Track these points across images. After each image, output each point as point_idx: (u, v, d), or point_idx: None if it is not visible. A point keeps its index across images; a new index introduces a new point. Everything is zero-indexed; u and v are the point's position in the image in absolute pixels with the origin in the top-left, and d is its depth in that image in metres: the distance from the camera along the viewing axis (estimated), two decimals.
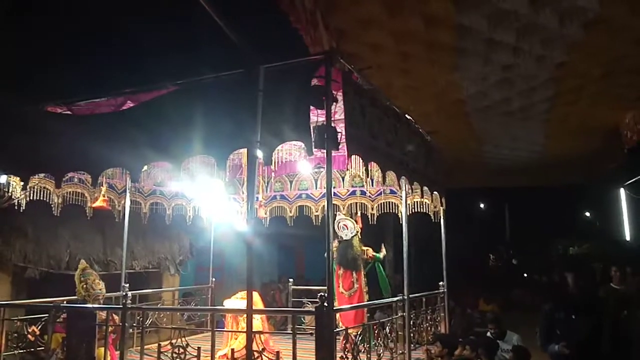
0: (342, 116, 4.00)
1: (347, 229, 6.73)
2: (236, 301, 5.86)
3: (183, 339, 4.48)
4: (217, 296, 7.73)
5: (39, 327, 5.12)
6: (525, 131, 8.93)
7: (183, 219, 7.98)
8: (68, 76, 7.08)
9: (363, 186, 7.35)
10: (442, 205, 6.51)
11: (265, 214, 7.64)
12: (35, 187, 5.61)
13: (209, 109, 4.22)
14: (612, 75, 6.50)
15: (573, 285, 5.35)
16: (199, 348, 4.35)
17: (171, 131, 4.32)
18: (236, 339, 5.69)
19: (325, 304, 3.74)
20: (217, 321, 6.77)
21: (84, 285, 5.23)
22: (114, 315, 4.84)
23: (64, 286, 6.09)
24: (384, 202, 7.26)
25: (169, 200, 7.75)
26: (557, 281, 15.42)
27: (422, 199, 6.31)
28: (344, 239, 6.70)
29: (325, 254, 3.88)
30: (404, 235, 5.61)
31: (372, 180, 6.92)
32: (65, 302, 5.40)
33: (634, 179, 12.01)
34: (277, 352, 4.33)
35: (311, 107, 3.87)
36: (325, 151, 3.83)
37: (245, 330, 4.19)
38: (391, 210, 7.21)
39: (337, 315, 5.20)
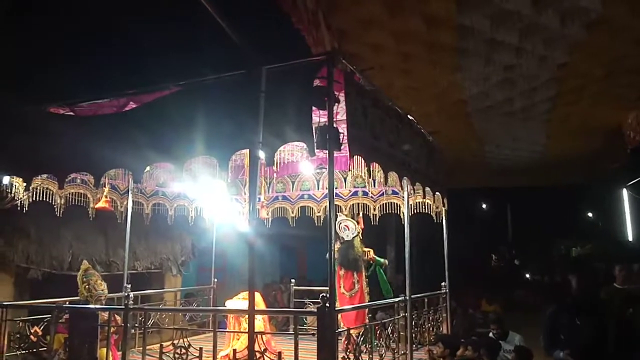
0: (344, 117, 3.99)
1: (349, 229, 6.72)
2: (238, 302, 5.86)
3: (185, 339, 4.48)
4: (219, 297, 7.73)
5: (42, 327, 5.13)
6: (526, 131, 8.93)
7: (185, 220, 7.98)
8: (69, 77, 7.10)
9: (365, 187, 7.34)
10: (443, 206, 6.50)
11: (267, 214, 7.63)
12: (38, 188, 5.62)
13: (210, 109, 4.22)
14: (613, 75, 6.50)
15: (576, 287, 5.34)
16: (200, 348, 4.35)
17: (173, 132, 4.32)
18: (238, 339, 5.70)
19: (327, 304, 3.74)
20: (219, 322, 6.79)
21: (87, 286, 5.24)
22: (116, 315, 4.85)
23: (66, 287, 6.09)
24: (386, 203, 7.24)
25: (171, 201, 7.75)
26: (560, 282, 15.40)
27: (424, 200, 6.30)
28: (345, 239, 6.70)
29: (327, 255, 3.88)
30: (406, 235, 5.61)
31: (374, 181, 6.92)
32: (67, 302, 5.42)
33: (636, 179, 11.99)
34: (279, 353, 4.32)
35: (313, 108, 3.87)
36: (327, 152, 3.82)
37: (247, 330, 4.19)
38: (393, 211, 7.20)
39: (339, 315, 5.20)
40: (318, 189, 7.68)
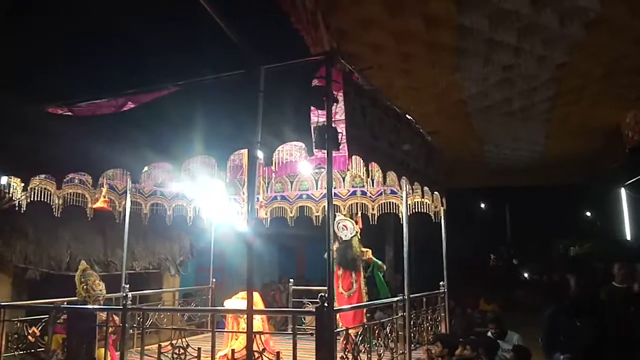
0: (343, 116, 3.99)
1: (347, 229, 6.73)
2: (236, 301, 5.85)
3: (183, 339, 4.48)
4: (218, 297, 7.72)
5: (40, 328, 5.12)
6: (526, 131, 8.93)
7: (184, 220, 7.97)
8: (68, 77, 7.08)
9: (364, 186, 7.34)
10: (442, 206, 6.50)
11: (266, 214, 7.63)
12: (36, 188, 5.61)
13: (209, 109, 4.21)
14: (612, 75, 6.50)
15: (575, 286, 5.32)
16: (199, 349, 4.34)
17: (172, 132, 4.32)
18: (236, 339, 5.69)
19: (326, 304, 3.74)
20: (217, 322, 6.78)
21: (85, 286, 5.24)
22: (114, 316, 4.84)
23: (64, 287, 6.09)
24: (384, 203, 7.24)
25: (170, 201, 7.75)
26: (558, 281, 15.40)
27: (422, 199, 6.30)
28: (344, 239, 6.70)
29: (326, 255, 3.88)
30: (404, 235, 5.60)
31: (372, 181, 6.92)
32: (65, 303, 5.39)
33: (634, 179, 12.00)
34: (278, 353, 4.33)
35: (312, 108, 3.87)
36: (325, 152, 3.82)
37: (245, 330, 4.18)
38: (392, 211, 7.20)
39: (337, 315, 5.20)
40: (316, 188, 7.68)
